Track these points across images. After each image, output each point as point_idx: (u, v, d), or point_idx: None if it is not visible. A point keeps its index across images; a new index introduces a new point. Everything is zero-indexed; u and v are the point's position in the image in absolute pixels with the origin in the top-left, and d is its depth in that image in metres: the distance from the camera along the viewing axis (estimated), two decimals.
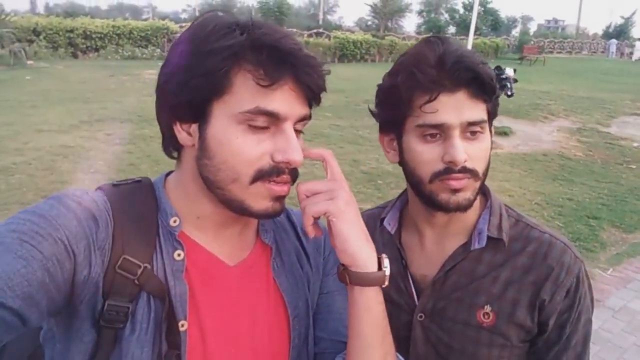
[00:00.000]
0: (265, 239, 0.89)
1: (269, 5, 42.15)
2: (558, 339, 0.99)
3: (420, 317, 1.04)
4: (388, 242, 1.11)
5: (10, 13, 17.96)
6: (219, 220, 0.82)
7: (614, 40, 45.53)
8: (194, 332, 0.76)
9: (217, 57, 0.70)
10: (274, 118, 0.73)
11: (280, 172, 0.75)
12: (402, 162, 1.00)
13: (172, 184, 0.83)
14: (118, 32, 20.14)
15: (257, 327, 0.83)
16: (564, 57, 37.61)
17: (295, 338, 0.86)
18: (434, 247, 1.06)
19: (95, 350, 0.71)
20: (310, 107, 0.79)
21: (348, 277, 0.78)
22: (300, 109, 0.76)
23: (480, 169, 0.95)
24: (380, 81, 1.02)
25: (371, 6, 52.19)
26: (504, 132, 9.12)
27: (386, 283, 0.79)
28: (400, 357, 0.85)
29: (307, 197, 0.78)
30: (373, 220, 1.15)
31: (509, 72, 8.73)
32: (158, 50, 20.40)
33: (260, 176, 0.74)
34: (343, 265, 0.79)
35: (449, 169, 0.92)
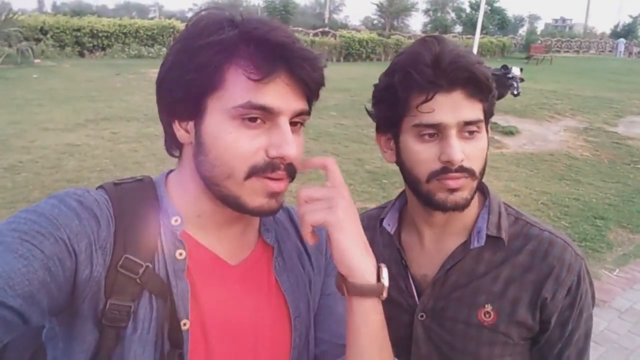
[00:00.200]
0: (267, 239, 0.88)
1: (274, 4, 42.23)
2: (560, 336, 0.99)
3: (422, 316, 1.04)
4: (388, 243, 1.11)
5: (17, 12, 18.05)
6: (219, 218, 0.81)
7: (622, 40, 45.25)
8: (196, 331, 0.76)
9: (209, 53, 0.70)
10: (268, 113, 0.72)
11: (275, 167, 0.74)
12: (399, 162, 1.00)
13: (173, 183, 0.83)
14: (125, 31, 20.21)
15: (258, 326, 0.83)
16: (571, 56, 37.43)
17: (297, 338, 0.86)
18: (433, 247, 1.06)
19: (98, 349, 0.71)
20: (310, 102, 0.78)
21: (346, 288, 0.76)
22: (295, 104, 0.74)
23: (477, 168, 0.95)
24: None
25: (377, 5, 52.20)
26: (510, 132, 9.09)
27: (384, 295, 0.77)
28: None
29: (307, 202, 0.76)
30: (373, 221, 1.16)
31: (516, 71, 8.66)
32: (164, 49, 20.39)
33: (255, 172, 0.73)
34: (341, 275, 0.77)
35: (446, 169, 0.92)
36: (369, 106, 1.05)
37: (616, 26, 64.92)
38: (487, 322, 0.99)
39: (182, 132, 0.77)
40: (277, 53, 0.71)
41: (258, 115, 0.72)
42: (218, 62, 0.71)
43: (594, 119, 11.09)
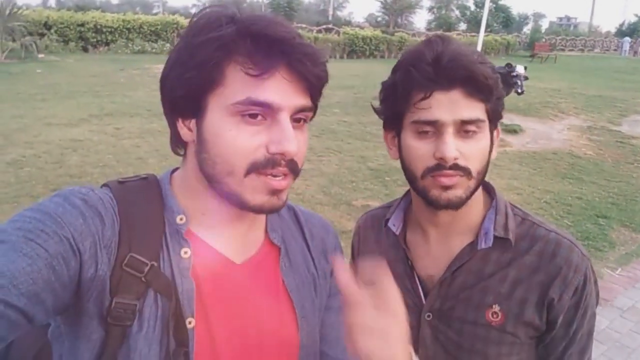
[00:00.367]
0: (273, 239, 0.88)
1: (278, 1, 42.14)
2: (565, 334, 1.00)
3: (428, 316, 1.04)
4: (393, 243, 1.11)
5: (22, 7, 18.05)
6: (224, 217, 0.81)
7: (627, 38, 44.95)
8: (201, 329, 0.76)
9: (208, 49, 0.70)
10: (268, 109, 0.71)
11: (275, 163, 0.73)
12: (401, 159, 1.01)
13: (177, 181, 0.83)
14: (128, 26, 20.18)
15: (264, 324, 0.83)
16: (575, 55, 37.24)
17: (304, 338, 0.86)
18: (439, 247, 1.06)
19: (103, 347, 0.71)
20: (313, 98, 0.77)
21: None
22: (296, 99, 0.73)
23: (473, 167, 0.94)
24: None
25: (381, 2, 52.07)
26: (513, 130, 9.06)
27: None
28: None
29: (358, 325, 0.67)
30: (378, 221, 1.16)
31: (520, 69, 8.64)
32: (168, 44, 20.39)
33: (255, 168, 0.73)
34: None
35: (440, 166, 0.92)
36: (375, 103, 1.05)
37: (621, 25, 64.62)
38: (495, 323, 0.99)
39: (185, 130, 0.77)
40: (276, 48, 0.70)
41: (258, 112, 0.71)
42: (217, 59, 0.70)
43: (598, 117, 11.06)
